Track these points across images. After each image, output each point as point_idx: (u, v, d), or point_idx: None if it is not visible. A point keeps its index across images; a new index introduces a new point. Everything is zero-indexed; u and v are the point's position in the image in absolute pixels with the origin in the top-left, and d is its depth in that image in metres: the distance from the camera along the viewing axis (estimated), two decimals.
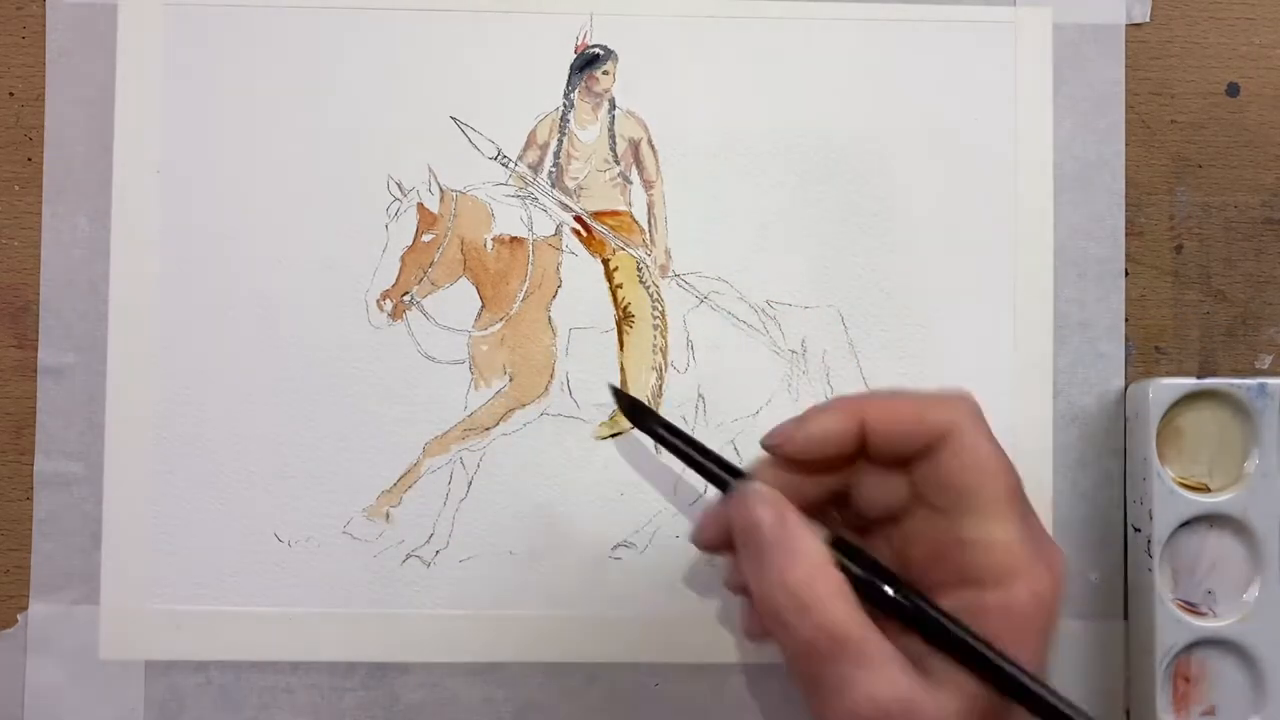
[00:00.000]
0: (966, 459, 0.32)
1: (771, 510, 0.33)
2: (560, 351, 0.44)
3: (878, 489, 0.35)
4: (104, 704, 0.42)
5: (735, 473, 0.36)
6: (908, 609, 0.32)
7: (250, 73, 0.44)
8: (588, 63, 0.44)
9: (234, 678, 0.43)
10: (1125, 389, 0.44)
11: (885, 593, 0.32)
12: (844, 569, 0.32)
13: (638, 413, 0.38)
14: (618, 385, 0.43)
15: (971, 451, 0.32)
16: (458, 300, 0.43)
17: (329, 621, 0.43)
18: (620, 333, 0.44)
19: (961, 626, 0.32)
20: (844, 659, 0.31)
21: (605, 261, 0.44)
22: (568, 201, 0.44)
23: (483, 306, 0.44)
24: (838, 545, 0.33)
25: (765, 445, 0.35)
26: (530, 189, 0.44)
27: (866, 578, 0.33)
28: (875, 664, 0.31)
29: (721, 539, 0.36)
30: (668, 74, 0.44)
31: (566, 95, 0.44)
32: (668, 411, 0.43)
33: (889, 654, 0.31)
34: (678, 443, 0.37)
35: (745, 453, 0.43)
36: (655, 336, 0.44)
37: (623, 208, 0.44)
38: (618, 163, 0.44)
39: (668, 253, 0.44)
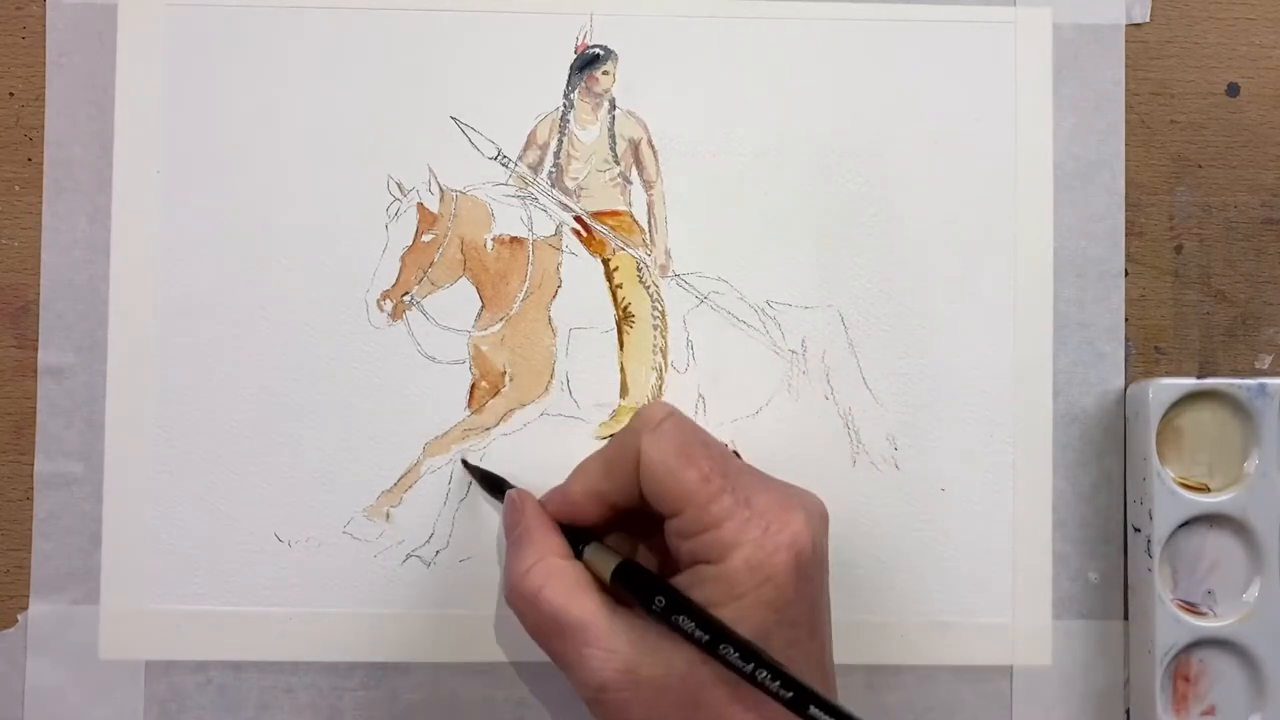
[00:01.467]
0: (649, 475, 0.36)
1: (515, 509, 0.39)
2: (560, 351, 0.44)
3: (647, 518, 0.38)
4: (104, 704, 0.42)
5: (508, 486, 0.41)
6: (643, 597, 0.35)
7: (250, 73, 0.44)
8: (588, 63, 0.44)
9: (234, 678, 0.43)
10: (1125, 389, 0.44)
11: (633, 581, 0.36)
12: (615, 571, 0.36)
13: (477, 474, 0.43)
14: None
15: (656, 464, 0.36)
16: (458, 300, 0.43)
17: (329, 621, 0.43)
18: (620, 333, 0.44)
19: (689, 612, 0.34)
20: (565, 638, 0.35)
21: (605, 261, 0.44)
22: (568, 201, 0.44)
23: (483, 306, 0.44)
24: (620, 569, 0.36)
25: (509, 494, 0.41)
26: (530, 189, 0.44)
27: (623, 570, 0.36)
28: (595, 638, 0.35)
29: None
30: (668, 74, 0.44)
31: (566, 95, 0.44)
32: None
33: (611, 628, 0.35)
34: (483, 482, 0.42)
35: (745, 453, 0.43)
36: (655, 336, 0.44)
37: (623, 208, 0.44)
38: (618, 163, 0.44)
39: (668, 253, 0.44)
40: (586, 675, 0.35)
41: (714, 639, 0.34)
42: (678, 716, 0.34)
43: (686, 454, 0.36)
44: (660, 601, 0.35)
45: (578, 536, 0.38)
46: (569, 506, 0.39)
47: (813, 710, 0.33)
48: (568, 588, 0.36)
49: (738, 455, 0.42)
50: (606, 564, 0.37)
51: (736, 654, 0.33)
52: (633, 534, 0.40)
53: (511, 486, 0.41)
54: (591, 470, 0.39)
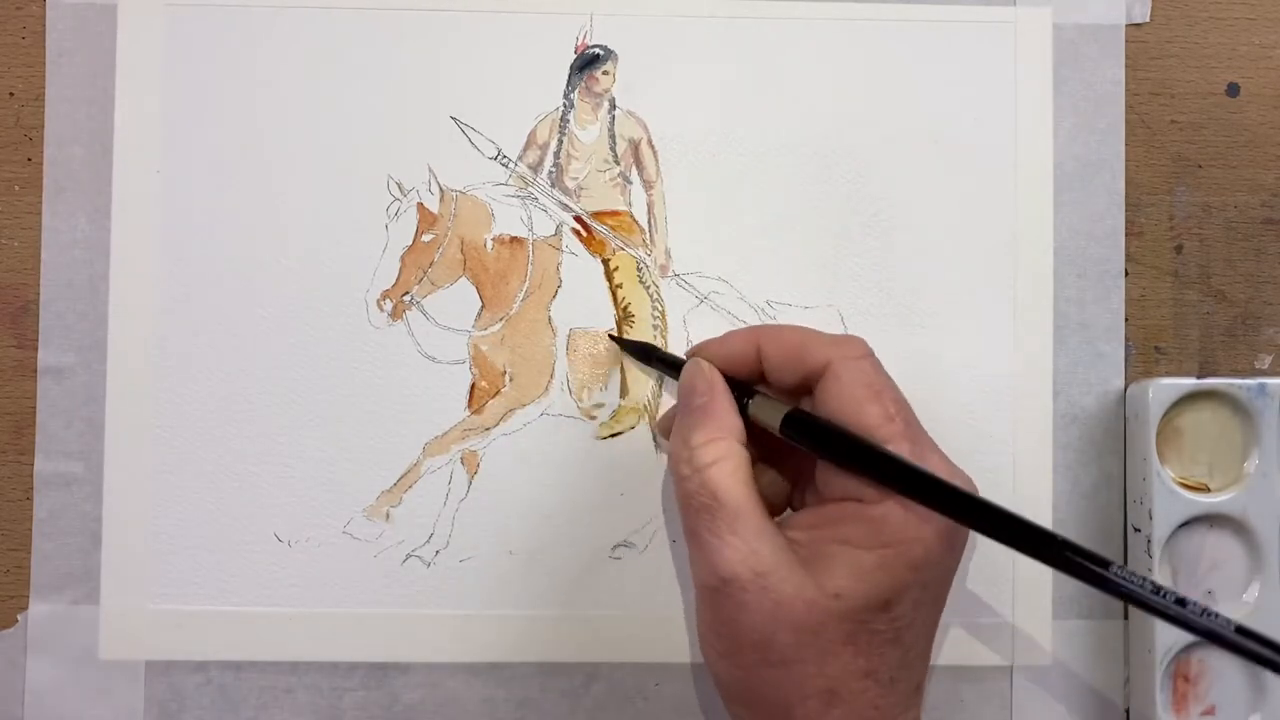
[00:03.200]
0: (840, 392, 0.36)
1: (704, 378, 0.38)
2: (560, 351, 0.44)
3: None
4: (104, 704, 0.42)
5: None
6: (818, 439, 0.36)
7: (250, 73, 0.44)
8: (588, 63, 0.44)
9: (234, 678, 0.43)
10: (1125, 389, 0.44)
11: (815, 430, 0.36)
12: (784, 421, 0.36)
13: (634, 347, 0.43)
14: (617, 388, 0.43)
15: (845, 386, 0.36)
16: (458, 300, 0.43)
17: (329, 621, 0.43)
18: (620, 333, 0.44)
19: (866, 449, 0.35)
20: (717, 518, 0.35)
21: (605, 261, 0.44)
22: (568, 201, 0.44)
23: (483, 306, 0.44)
24: (793, 414, 0.36)
25: (687, 353, 0.41)
26: (530, 189, 0.44)
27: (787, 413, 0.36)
28: (743, 530, 0.34)
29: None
30: (668, 74, 0.44)
31: (566, 95, 0.44)
32: (668, 412, 0.43)
33: (760, 527, 0.35)
34: (654, 359, 0.43)
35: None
36: (655, 337, 0.44)
37: (623, 208, 0.44)
38: (618, 163, 0.44)
39: (668, 253, 0.44)
40: (719, 561, 0.34)
41: (891, 470, 0.34)
42: (787, 636, 0.34)
43: (876, 390, 0.36)
44: (832, 440, 0.35)
45: (736, 389, 0.38)
46: (726, 352, 0.39)
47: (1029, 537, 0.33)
48: (739, 473, 0.35)
49: None
50: (775, 414, 0.37)
51: (916, 484, 0.34)
52: (770, 457, 0.40)
53: (688, 356, 0.41)
54: (765, 335, 0.38)
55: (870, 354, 0.37)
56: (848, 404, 0.36)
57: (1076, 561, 0.32)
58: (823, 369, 0.36)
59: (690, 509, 0.36)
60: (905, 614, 0.34)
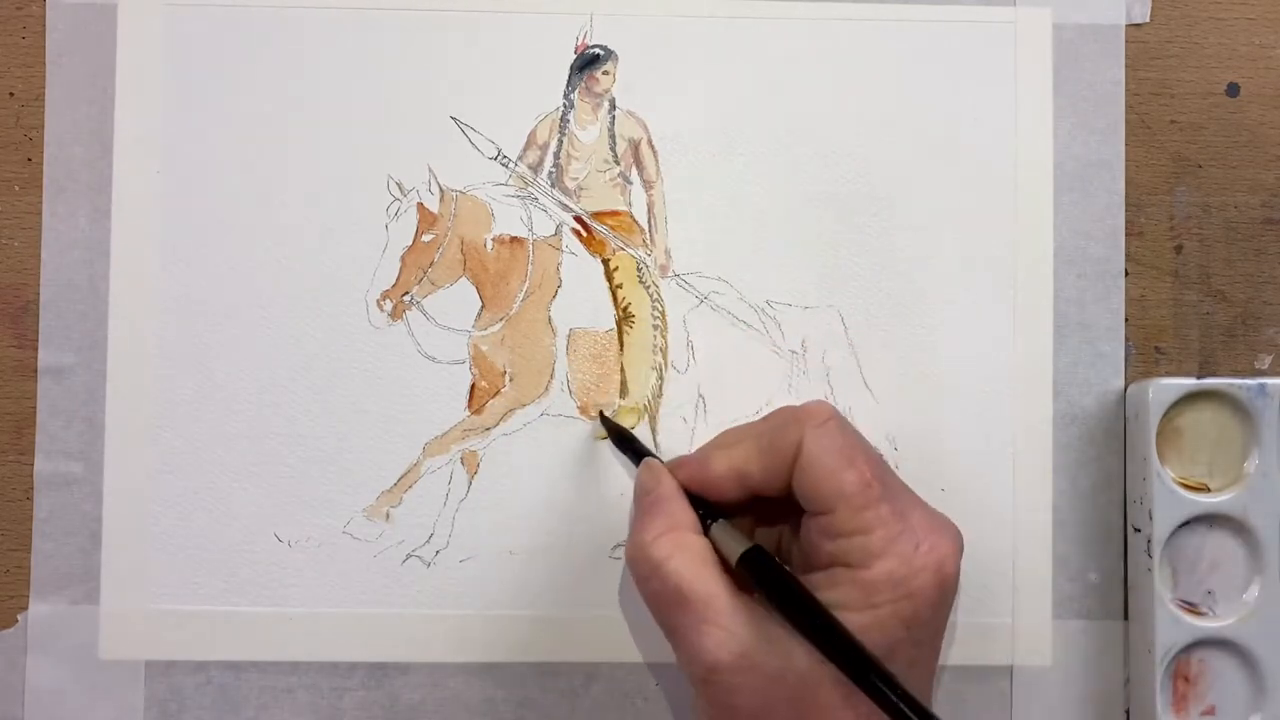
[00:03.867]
0: (813, 466, 0.36)
1: (650, 477, 0.39)
2: (560, 351, 0.44)
3: (776, 504, 0.39)
4: (104, 704, 0.42)
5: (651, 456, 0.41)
6: (771, 588, 0.35)
7: (250, 73, 0.44)
8: (588, 63, 0.44)
9: (234, 678, 0.43)
10: (1125, 389, 0.44)
11: (762, 569, 0.36)
12: (736, 551, 0.36)
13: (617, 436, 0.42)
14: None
15: (817, 459, 0.36)
16: (458, 300, 0.43)
17: (329, 621, 0.43)
18: (620, 333, 0.44)
19: (814, 613, 0.34)
20: (688, 613, 0.35)
21: (605, 261, 0.44)
22: (568, 201, 0.44)
23: (483, 306, 0.44)
24: (750, 553, 0.36)
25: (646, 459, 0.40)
26: (530, 189, 0.44)
27: (748, 554, 0.36)
28: (715, 617, 0.34)
29: None
30: (668, 74, 0.44)
31: (566, 95, 0.44)
32: (668, 411, 0.43)
33: (733, 609, 0.35)
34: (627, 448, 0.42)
35: None
36: (655, 336, 0.44)
37: (623, 208, 0.44)
38: (618, 163, 0.44)
39: (668, 253, 0.44)
40: (701, 653, 0.34)
41: (836, 643, 0.33)
42: (786, 710, 0.34)
43: (848, 456, 0.36)
44: (784, 595, 0.34)
45: (704, 509, 0.38)
46: (705, 481, 0.38)
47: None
48: (694, 562, 0.35)
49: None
50: (734, 546, 0.36)
51: (859, 663, 0.33)
52: (757, 518, 0.40)
53: (650, 454, 0.41)
54: (738, 451, 0.38)
55: (834, 415, 0.37)
56: (823, 477, 0.35)
57: None
58: (797, 449, 0.36)
59: (658, 607, 0.36)
60: (900, 670, 0.34)
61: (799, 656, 0.34)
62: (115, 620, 0.42)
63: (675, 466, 0.39)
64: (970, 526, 0.43)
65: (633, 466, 0.41)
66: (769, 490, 0.37)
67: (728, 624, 0.34)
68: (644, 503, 0.38)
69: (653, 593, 0.36)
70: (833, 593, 0.35)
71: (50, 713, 0.42)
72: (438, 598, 0.43)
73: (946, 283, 0.44)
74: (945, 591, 0.35)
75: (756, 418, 0.43)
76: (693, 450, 0.42)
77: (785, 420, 0.37)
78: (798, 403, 0.43)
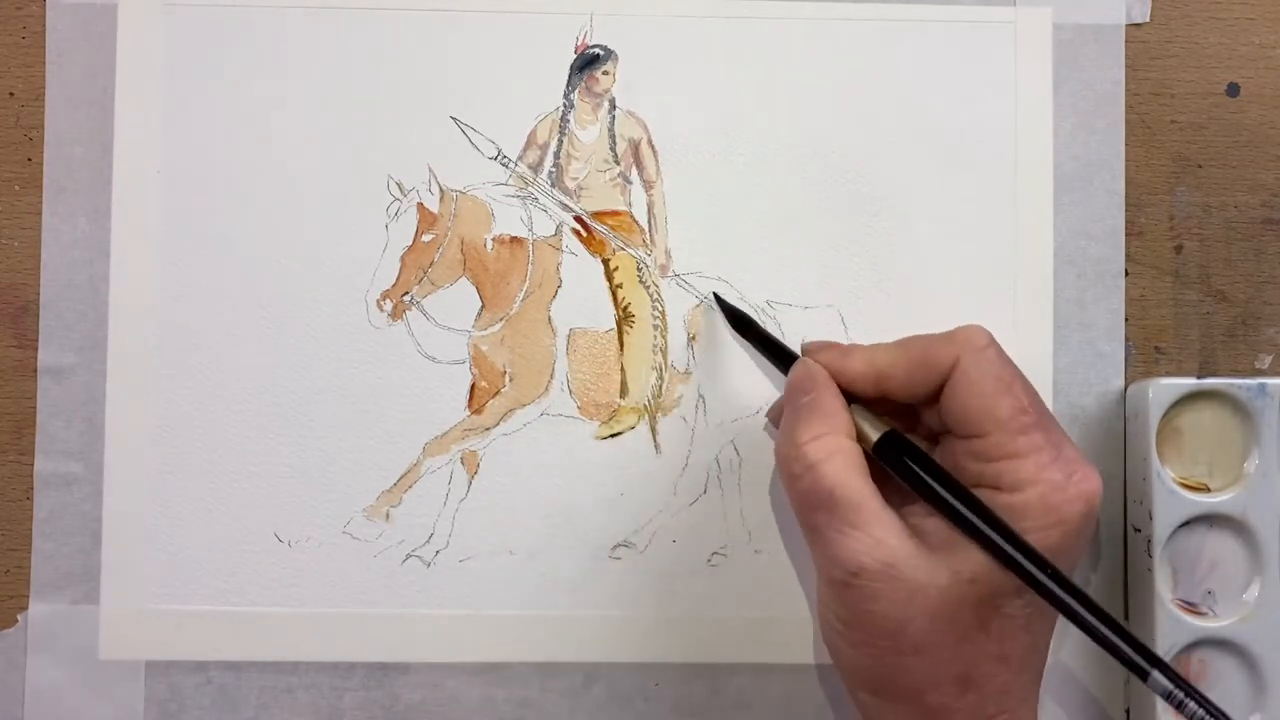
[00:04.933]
0: (969, 389, 0.36)
1: (809, 377, 0.38)
2: (560, 351, 0.44)
3: (921, 416, 0.39)
4: (104, 704, 0.42)
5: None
6: (925, 483, 0.36)
7: (250, 73, 0.44)
8: (588, 63, 0.44)
9: (234, 678, 0.43)
10: (1125, 389, 0.44)
11: (905, 463, 0.36)
12: (879, 446, 0.37)
13: (731, 313, 0.43)
14: (621, 381, 0.43)
15: (974, 383, 0.36)
16: (458, 300, 0.43)
17: (329, 621, 0.43)
18: (620, 333, 0.44)
19: (975, 504, 0.35)
20: (836, 514, 0.35)
21: (605, 261, 0.44)
22: (568, 201, 0.44)
23: (483, 306, 0.44)
24: (889, 435, 0.37)
25: (803, 348, 0.40)
26: (530, 189, 0.44)
27: (892, 439, 0.37)
28: (864, 523, 0.35)
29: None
30: (668, 74, 0.44)
31: (566, 95, 0.44)
32: (668, 411, 0.43)
33: (882, 518, 0.35)
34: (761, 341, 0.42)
35: (745, 453, 0.43)
36: (655, 336, 0.44)
37: (623, 208, 0.44)
38: (618, 163, 0.44)
39: (668, 253, 0.44)
40: (845, 555, 0.34)
41: (983, 522, 0.34)
42: (922, 624, 0.34)
43: (1006, 382, 0.36)
44: (927, 473, 0.35)
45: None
46: (840, 372, 0.38)
47: (1087, 617, 0.33)
48: (850, 467, 0.35)
49: None
50: (871, 430, 0.37)
51: (1005, 534, 0.34)
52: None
53: (792, 353, 0.41)
54: (883, 354, 0.38)
55: (993, 343, 0.37)
56: (978, 400, 0.36)
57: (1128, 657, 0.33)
58: (950, 369, 0.36)
59: (807, 507, 0.36)
60: (1038, 599, 0.34)
61: (942, 574, 0.34)
62: (115, 620, 0.42)
63: (813, 350, 0.39)
64: None
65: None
66: (905, 396, 0.38)
67: (877, 532, 0.34)
68: (800, 402, 0.38)
69: (802, 492, 0.36)
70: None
71: (50, 713, 0.42)
72: (438, 598, 0.43)
73: (946, 282, 0.44)
74: (1089, 525, 0.35)
75: (756, 417, 0.43)
76: (693, 445, 0.43)
77: (940, 339, 0.37)
78: None
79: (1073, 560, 0.36)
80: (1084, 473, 0.35)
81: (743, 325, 0.43)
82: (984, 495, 0.35)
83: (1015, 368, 0.37)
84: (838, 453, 0.36)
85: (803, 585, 0.43)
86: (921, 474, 0.36)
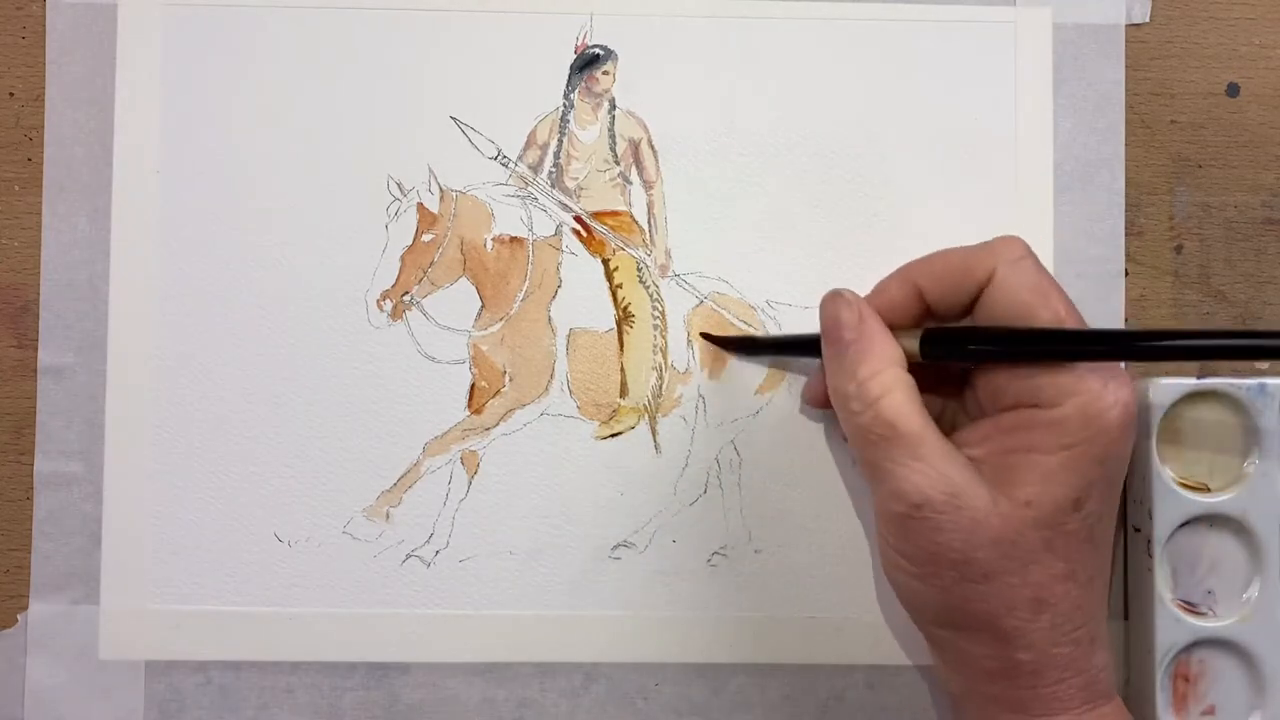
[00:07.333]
0: (1007, 298, 0.36)
1: (852, 310, 0.37)
2: (560, 351, 0.44)
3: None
4: (104, 704, 0.42)
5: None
6: (1002, 352, 0.36)
7: (250, 73, 0.44)
8: (588, 63, 0.44)
9: (234, 678, 0.43)
10: None
11: (956, 343, 0.36)
12: (924, 343, 0.37)
13: (728, 344, 0.43)
14: (619, 383, 0.43)
15: (1011, 291, 0.36)
16: (458, 300, 0.44)
17: (329, 621, 0.43)
18: (620, 333, 0.44)
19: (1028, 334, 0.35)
20: (898, 446, 0.35)
21: (605, 261, 0.44)
22: (568, 201, 0.44)
23: (483, 306, 0.44)
24: (928, 334, 0.37)
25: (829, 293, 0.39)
26: (530, 189, 0.44)
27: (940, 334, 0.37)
28: (927, 455, 0.35)
29: (825, 394, 0.39)
30: (668, 74, 0.44)
31: (566, 95, 0.44)
32: (668, 411, 0.43)
33: (943, 450, 0.35)
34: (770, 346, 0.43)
35: (745, 453, 0.43)
36: (655, 336, 0.44)
37: (623, 208, 0.44)
38: (618, 163, 0.44)
39: (668, 253, 0.44)
40: (908, 488, 0.35)
41: (1040, 345, 0.35)
42: (987, 553, 0.34)
43: (1043, 292, 0.35)
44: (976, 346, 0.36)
45: None
46: (879, 294, 0.38)
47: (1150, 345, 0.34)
48: (909, 399, 0.35)
49: None
50: (909, 341, 0.37)
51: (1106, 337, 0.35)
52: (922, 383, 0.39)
53: (817, 337, 0.39)
54: (917, 268, 0.38)
55: (1029, 253, 0.37)
56: (1015, 310, 0.35)
57: None
58: (988, 280, 0.36)
59: (867, 443, 0.36)
60: (1094, 509, 0.35)
61: (1002, 501, 0.34)
62: (115, 620, 0.42)
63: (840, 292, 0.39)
64: None
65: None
66: (941, 311, 0.38)
67: (939, 464, 0.34)
68: (847, 337, 0.37)
69: (863, 427, 0.36)
70: (1021, 436, 0.35)
71: (50, 713, 0.42)
72: (438, 598, 0.43)
73: None
74: (1130, 429, 0.35)
75: (756, 418, 0.43)
76: (693, 445, 0.43)
77: (976, 250, 0.37)
78: (797, 403, 0.44)
79: (1119, 472, 0.36)
80: (1119, 378, 0.35)
81: (747, 346, 0.43)
82: (1024, 417, 0.35)
83: (1051, 278, 0.36)
84: (897, 385, 0.36)
85: (803, 585, 0.43)
86: (990, 348, 0.36)
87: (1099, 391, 0.34)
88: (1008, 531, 0.34)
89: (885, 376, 0.36)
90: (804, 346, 0.41)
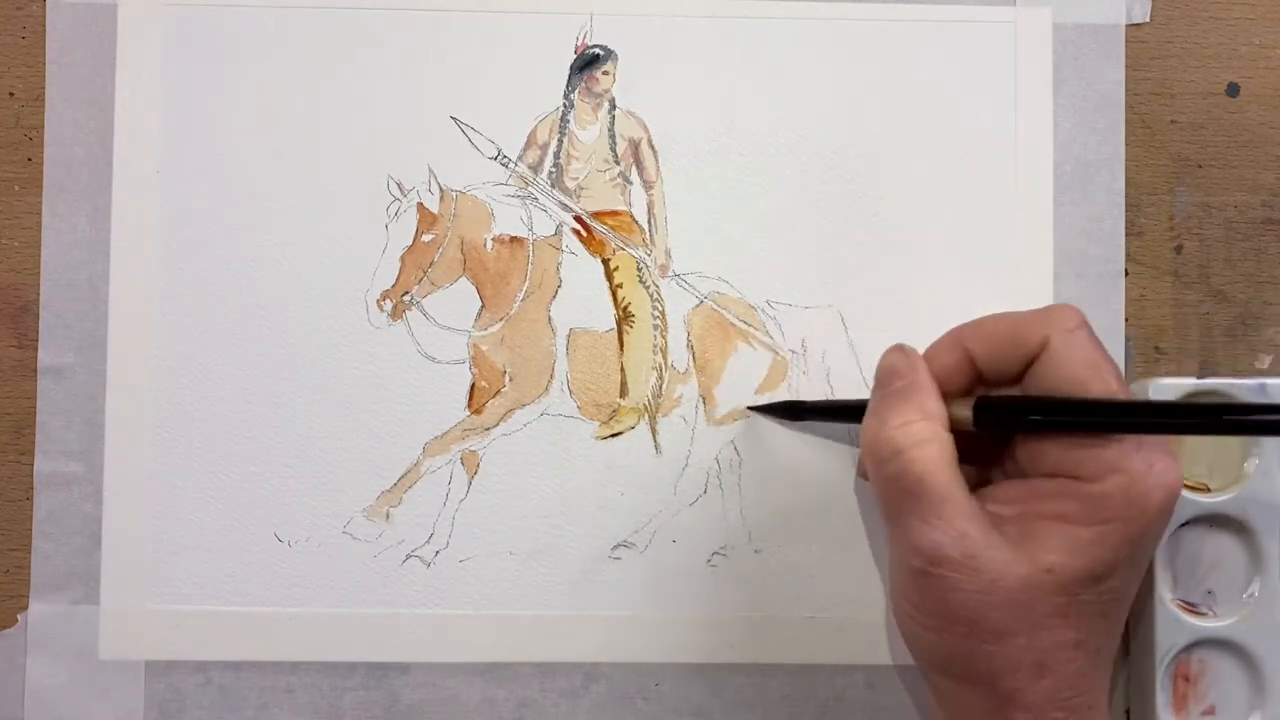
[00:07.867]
0: (1060, 369, 0.35)
1: (908, 361, 0.37)
2: (560, 351, 0.44)
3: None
4: (104, 704, 0.42)
5: None
6: (1058, 422, 0.35)
7: (250, 73, 0.44)
8: (588, 63, 0.44)
9: (234, 678, 0.43)
10: None
11: (1000, 411, 0.36)
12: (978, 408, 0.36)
13: (788, 411, 0.43)
14: (618, 386, 0.43)
15: (1065, 364, 0.35)
16: (458, 300, 0.44)
17: (329, 621, 0.43)
18: (620, 333, 0.44)
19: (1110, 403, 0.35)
20: (922, 502, 0.34)
21: (605, 261, 0.44)
22: (568, 201, 0.44)
23: (483, 306, 0.44)
24: (981, 402, 0.36)
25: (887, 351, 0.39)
26: (530, 189, 0.44)
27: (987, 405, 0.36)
28: (950, 515, 0.34)
29: None
30: (668, 74, 0.44)
31: (566, 95, 0.44)
32: (668, 411, 0.43)
33: (967, 509, 0.34)
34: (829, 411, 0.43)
35: (745, 453, 0.43)
36: (655, 336, 0.44)
37: (623, 208, 0.44)
38: (618, 163, 0.44)
39: (668, 253, 0.44)
40: (927, 545, 0.34)
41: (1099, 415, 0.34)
42: (999, 613, 0.34)
43: (1095, 365, 0.35)
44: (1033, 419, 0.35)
45: None
46: (931, 359, 0.38)
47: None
48: (941, 456, 0.35)
49: None
50: (961, 409, 0.36)
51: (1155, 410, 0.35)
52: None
53: (864, 402, 0.39)
54: (969, 331, 0.38)
55: (1084, 323, 0.36)
56: (1068, 383, 0.35)
57: None
58: (1040, 348, 0.36)
59: (891, 494, 0.36)
60: (1115, 586, 0.34)
61: (1021, 564, 0.34)
62: (115, 620, 0.42)
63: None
64: None
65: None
66: (991, 378, 0.37)
67: (960, 524, 0.34)
68: (895, 386, 0.37)
69: (888, 478, 0.35)
70: (1055, 503, 0.35)
71: (50, 713, 0.42)
72: (438, 598, 0.43)
73: (946, 282, 0.44)
74: (1166, 517, 0.35)
75: (757, 417, 0.43)
76: (693, 445, 0.43)
77: (1030, 317, 0.36)
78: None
79: (1147, 552, 0.36)
80: (1165, 463, 0.34)
81: (793, 411, 0.43)
82: (1061, 485, 0.35)
83: (1105, 351, 0.36)
84: (930, 441, 0.35)
85: (803, 585, 0.43)
86: (1049, 417, 0.35)
87: (1143, 472, 0.34)
88: (1022, 595, 0.34)
89: (919, 428, 0.35)
90: (848, 412, 0.41)
